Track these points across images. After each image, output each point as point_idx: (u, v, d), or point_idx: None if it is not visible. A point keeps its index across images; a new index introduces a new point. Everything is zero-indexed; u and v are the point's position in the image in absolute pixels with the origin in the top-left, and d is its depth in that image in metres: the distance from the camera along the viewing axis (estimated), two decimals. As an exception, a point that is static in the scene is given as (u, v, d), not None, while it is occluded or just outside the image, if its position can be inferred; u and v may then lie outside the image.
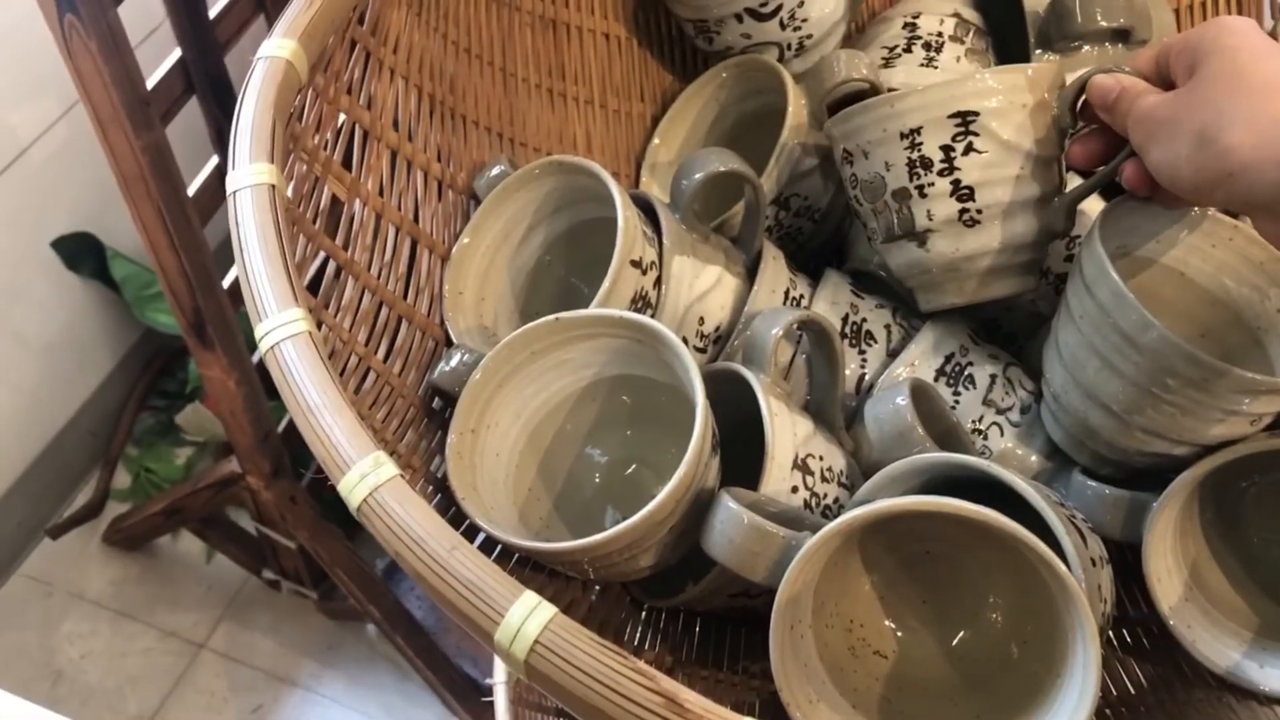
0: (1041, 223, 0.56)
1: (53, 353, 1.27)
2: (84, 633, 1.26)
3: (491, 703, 0.70)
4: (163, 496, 1.25)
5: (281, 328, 0.44)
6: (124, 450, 1.36)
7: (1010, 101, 0.54)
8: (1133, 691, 0.55)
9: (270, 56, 0.52)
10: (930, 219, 0.56)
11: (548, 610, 0.37)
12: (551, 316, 0.53)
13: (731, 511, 0.47)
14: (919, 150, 0.55)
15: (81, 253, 1.25)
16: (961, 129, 0.54)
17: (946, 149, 0.55)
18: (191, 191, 0.94)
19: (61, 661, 1.24)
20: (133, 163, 0.88)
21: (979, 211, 0.55)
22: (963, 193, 0.55)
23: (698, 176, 0.59)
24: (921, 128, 0.54)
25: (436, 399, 0.57)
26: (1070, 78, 0.56)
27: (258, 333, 0.45)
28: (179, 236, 0.93)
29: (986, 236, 0.56)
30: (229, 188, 0.48)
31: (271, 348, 0.44)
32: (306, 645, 1.27)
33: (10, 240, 1.18)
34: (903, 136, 0.55)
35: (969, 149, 0.54)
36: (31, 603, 1.28)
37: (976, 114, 0.54)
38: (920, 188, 0.56)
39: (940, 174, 0.55)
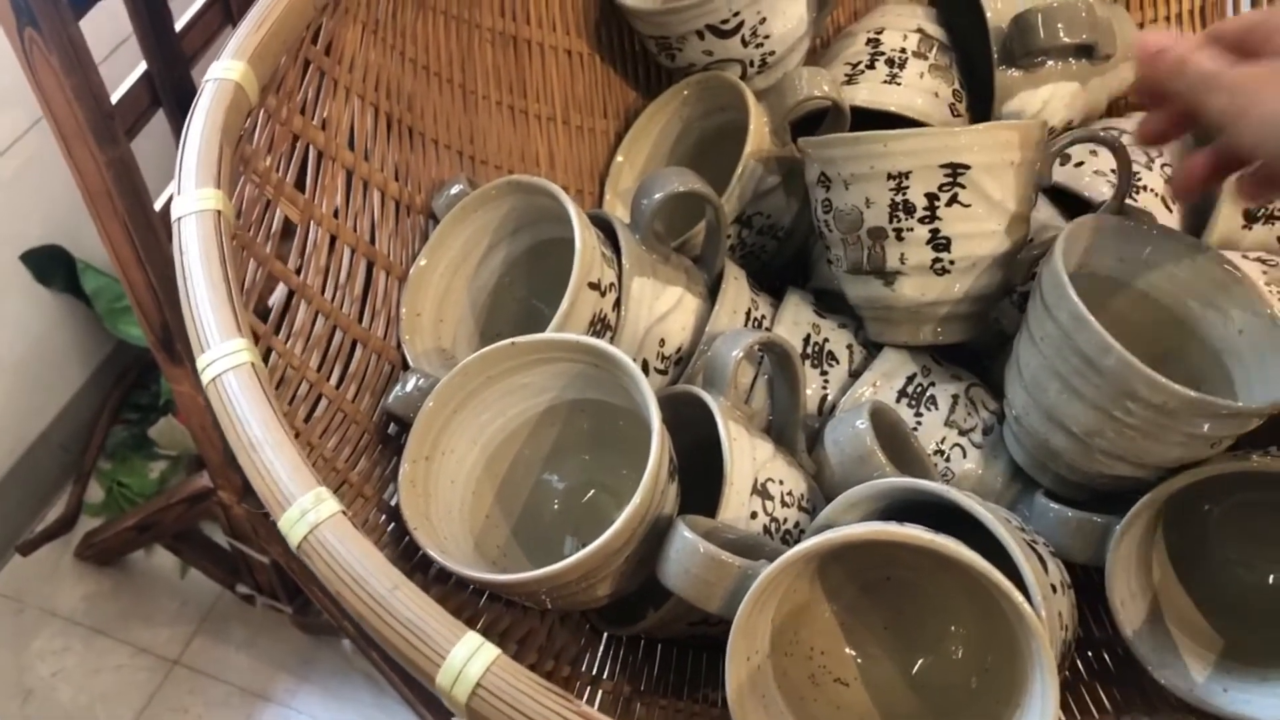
0: (1005, 276, 0.57)
1: (23, 366, 1.26)
2: (56, 649, 1.25)
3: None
4: (135, 511, 1.24)
5: (224, 359, 0.43)
6: (96, 464, 1.35)
7: (1001, 158, 0.54)
8: (1096, 716, 0.54)
9: (219, 79, 0.51)
10: (902, 262, 0.56)
11: (490, 652, 0.36)
12: (508, 341, 0.53)
13: (687, 541, 0.47)
14: (904, 194, 0.54)
15: (52, 265, 1.24)
16: (950, 179, 0.54)
17: (931, 197, 0.54)
18: (159, 206, 0.93)
19: (32, 680, 1.23)
20: (97, 178, 0.87)
21: (951, 262, 0.55)
22: (939, 242, 0.55)
23: (657, 196, 0.58)
24: (910, 172, 0.54)
25: (391, 424, 0.56)
26: (1058, 142, 0.56)
27: (200, 364, 0.44)
28: (145, 252, 0.92)
29: (953, 286, 0.56)
30: (173, 214, 0.47)
31: (214, 379, 0.43)
32: (282, 660, 1.26)
33: (-22, 254, 1.17)
34: (890, 177, 0.54)
35: (953, 200, 0.54)
36: (2, 620, 1.27)
37: (967, 167, 0.54)
38: (898, 230, 0.55)
39: (921, 221, 0.55)
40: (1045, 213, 0.64)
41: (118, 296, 1.23)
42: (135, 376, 1.37)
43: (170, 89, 0.93)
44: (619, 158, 0.72)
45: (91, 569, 1.30)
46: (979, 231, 0.55)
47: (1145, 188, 0.64)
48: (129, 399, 1.37)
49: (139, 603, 1.29)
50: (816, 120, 0.67)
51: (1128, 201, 0.61)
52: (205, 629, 1.28)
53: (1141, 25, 0.71)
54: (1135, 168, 0.62)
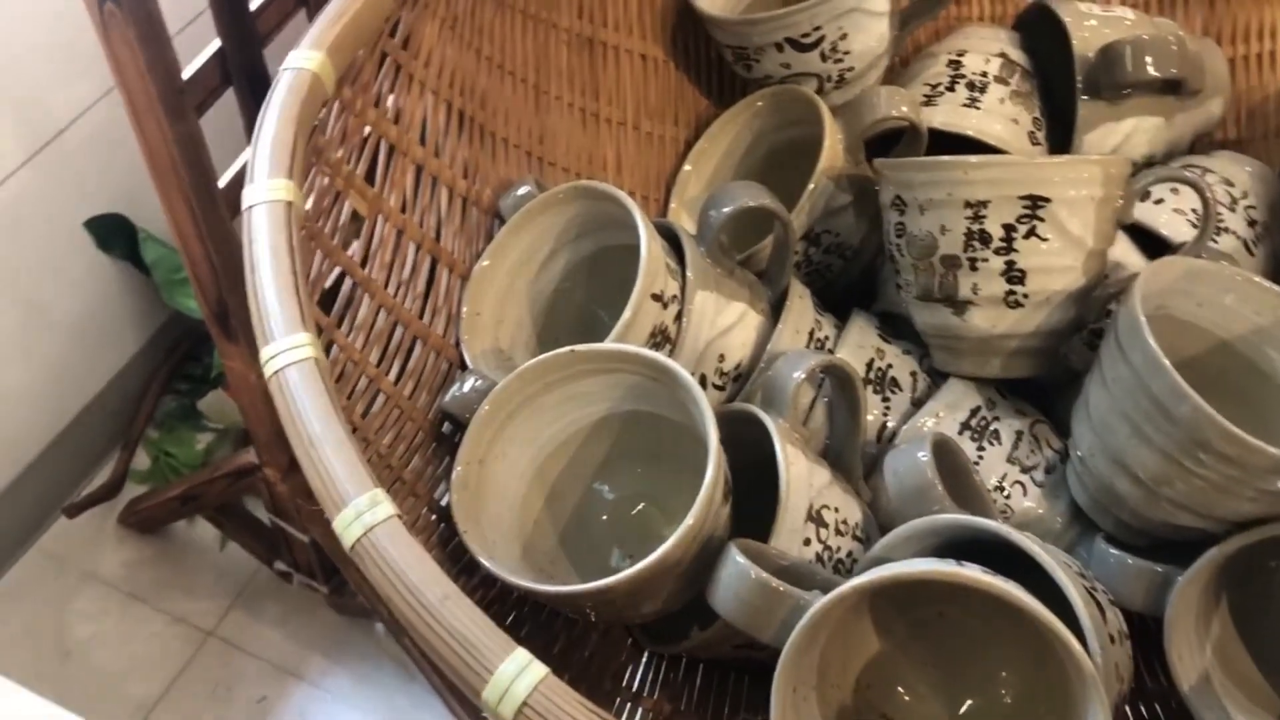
0: (1078, 313, 0.56)
1: (80, 331, 1.27)
2: (94, 613, 1.27)
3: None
4: (180, 482, 1.25)
5: (287, 352, 0.43)
6: (144, 432, 1.36)
7: (1082, 194, 0.53)
8: (1145, 769, 0.53)
9: (296, 68, 0.51)
10: (975, 292, 0.55)
11: (538, 671, 0.36)
12: (567, 349, 0.52)
13: (739, 566, 0.46)
14: (981, 223, 0.53)
15: (114, 234, 1.25)
16: (1029, 212, 0.53)
17: (1009, 228, 0.53)
18: (223, 183, 0.93)
19: (71, 640, 1.25)
20: (164, 152, 0.87)
21: (1025, 296, 0.54)
22: (1014, 275, 0.54)
23: (726, 210, 0.57)
24: (989, 202, 0.53)
25: (446, 424, 0.56)
26: (1141, 180, 0.55)
27: (263, 356, 0.44)
28: (207, 227, 0.92)
29: (1025, 320, 0.55)
30: (244, 202, 0.47)
31: (276, 373, 0.43)
32: (314, 640, 1.27)
33: (44, 219, 1.19)
34: (967, 205, 0.53)
35: (1031, 233, 0.53)
36: (45, 579, 1.29)
37: (1048, 200, 0.52)
38: (973, 260, 0.54)
39: (996, 252, 0.54)
40: (1120, 248, 0.62)
41: (176, 268, 1.24)
42: (188, 348, 1.38)
43: (241, 68, 0.93)
44: (687, 166, 0.71)
45: (133, 536, 1.31)
46: (1055, 266, 0.54)
47: (1227, 229, 0.62)
48: (180, 370, 1.38)
49: (178, 573, 1.30)
50: (889, 140, 0.66)
51: (1209, 243, 0.59)
52: (241, 603, 1.29)
53: (1232, 61, 0.69)
54: (1218, 209, 0.61)
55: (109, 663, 1.23)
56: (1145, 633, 0.54)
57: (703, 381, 0.57)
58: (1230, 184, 0.64)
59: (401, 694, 1.22)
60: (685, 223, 0.68)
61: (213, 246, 0.94)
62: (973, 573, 0.43)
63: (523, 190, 0.61)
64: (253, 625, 1.27)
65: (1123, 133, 0.65)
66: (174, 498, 1.25)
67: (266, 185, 0.47)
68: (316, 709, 1.21)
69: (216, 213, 0.93)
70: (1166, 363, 0.48)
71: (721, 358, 0.58)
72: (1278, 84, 0.71)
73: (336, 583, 1.24)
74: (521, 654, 0.36)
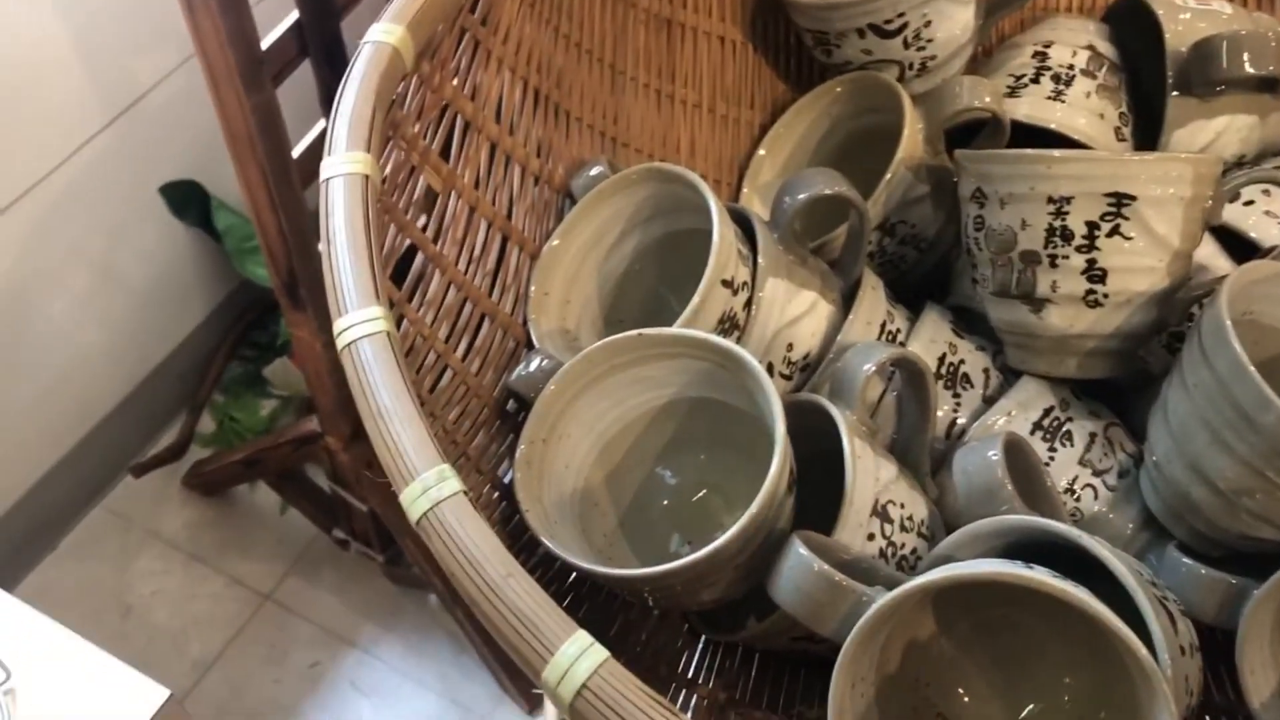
0: (1159, 315, 0.54)
1: (152, 295, 1.30)
2: (156, 571, 1.29)
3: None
4: (244, 446, 1.27)
5: (360, 325, 0.43)
6: (211, 397, 1.38)
7: (1170, 193, 0.51)
8: (1209, 784, 0.52)
9: (377, 41, 0.51)
10: (1054, 290, 0.54)
11: (599, 654, 0.36)
12: (635, 332, 0.52)
13: (802, 559, 0.45)
14: (1063, 219, 0.52)
15: (187, 200, 1.27)
16: (1114, 209, 0.51)
17: (1092, 226, 0.52)
18: (296, 154, 0.94)
19: (133, 597, 1.27)
20: (241, 121, 0.88)
21: (1105, 296, 0.53)
22: (1095, 273, 0.53)
23: (802, 197, 0.57)
24: (1073, 198, 0.52)
25: (511, 402, 0.56)
26: (1232, 180, 0.53)
27: (336, 328, 0.44)
28: (280, 197, 0.93)
29: (1103, 320, 0.54)
30: (323, 174, 0.47)
31: (348, 345, 0.43)
32: (368, 608, 1.28)
33: (121, 183, 1.21)
34: (1050, 201, 0.52)
35: (1114, 231, 0.52)
36: (110, 537, 1.32)
37: (1133, 198, 0.51)
38: (1053, 257, 0.53)
39: (1078, 250, 0.52)
40: (1206, 251, 0.60)
41: (247, 236, 1.26)
42: (256, 316, 1.40)
43: (319, 40, 0.94)
44: (761, 151, 0.70)
45: (196, 497, 1.34)
46: (1138, 266, 0.52)
47: (1319, 234, 0.60)
48: (248, 337, 1.40)
49: (238, 535, 1.32)
50: (970, 131, 0.65)
51: (1301, 248, 0.57)
52: (298, 569, 1.31)
53: (1332, 60, 0.67)
54: (1311, 212, 0.59)
55: (168, 621, 1.26)
56: (1214, 645, 0.53)
57: (770, 370, 0.57)
58: (1326, 187, 0.62)
59: (452, 665, 1.23)
60: (758, 208, 0.67)
61: (284, 216, 0.95)
62: (1041, 576, 0.42)
63: (595, 170, 0.60)
64: (309, 590, 1.29)
65: (1214, 131, 0.63)
66: (237, 462, 1.27)
67: (345, 158, 0.47)
68: (368, 676, 1.22)
69: (289, 183, 0.94)
70: (1252, 369, 0.47)
71: (790, 347, 0.57)
72: (1378, 85, 0.68)
73: (393, 553, 1.26)
74: (583, 636, 0.36)
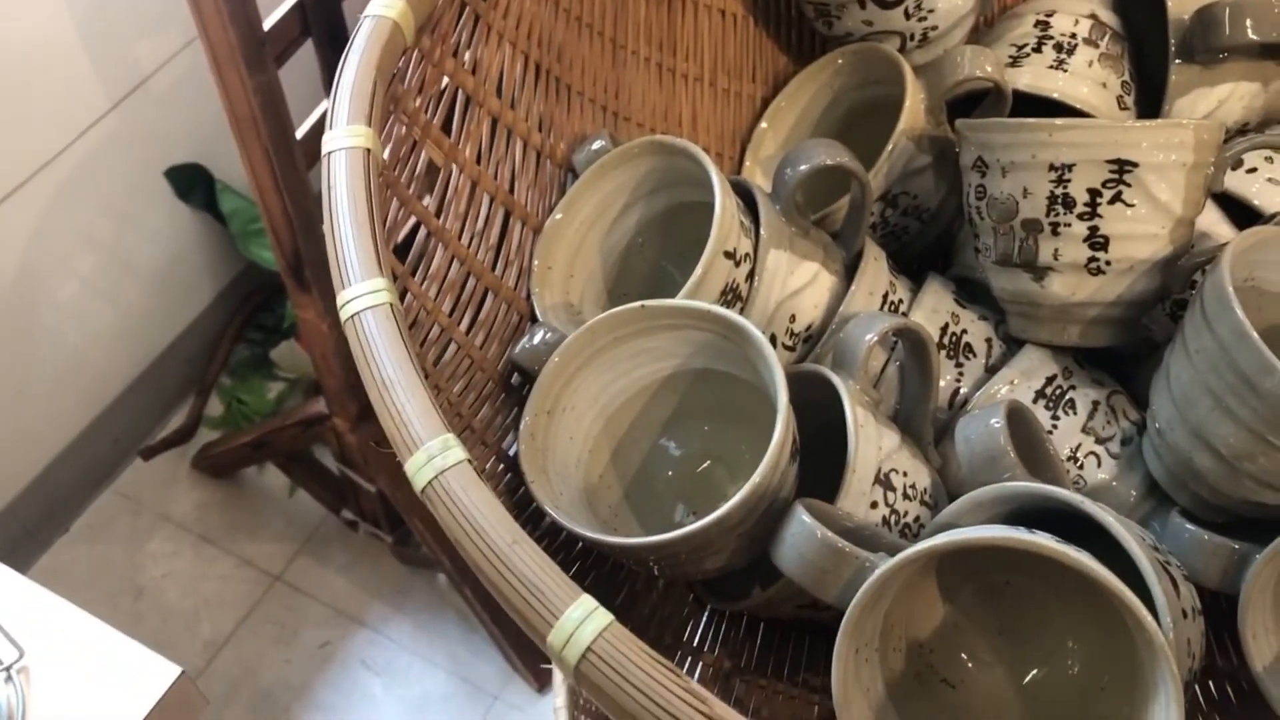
0: (1162, 282, 0.54)
1: (158, 279, 1.30)
2: (167, 553, 1.30)
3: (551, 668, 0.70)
4: (252, 428, 1.28)
5: (364, 297, 0.43)
6: (218, 379, 1.39)
7: (1172, 159, 0.51)
8: (1212, 749, 0.52)
9: (377, 15, 0.51)
10: (1056, 258, 0.54)
11: (603, 618, 0.36)
12: (638, 304, 0.52)
13: (805, 525, 0.46)
14: (1065, 187, 0.52)
15: (192, 183, 1.27)
16: (1115, 176, 0.51)
17: (1094, 193, 0.52)
18: (300, 134, 0.94)
19: (144, 579, 1.28)
20: (244, 102, 0.88)
21: (1108, 263, 0.53)
22: (1097, 241, 0.53)
23: (804, 168, 0.57)
24: (1074, 165, 0.52)
25: (515, 375, 0.56)
26: (1234, 146, 0.53)
27: (340, 300, 0.44)
28: (284, 178, 0.93)
29: (1106, 288, 0.54)
30: (324, 148, 0.48)
31: (352, 317, 0.43)
32: (378, 587, 1.29)
33: (126, 167, 1.21)
34: (1051, 168, 0.52)
35: (1116, 198, 0.52)
36: (121, 519, 1.32)
37: (1135, 165, 0.51)
38: (1054, 225, 0.53)
39: (1080, 217, 0.52)
40: (1208, 218, 0.60)
41: (253, 219, 1.26)
42: (262, 299, 1.41)
43: (321, 21, 0.94)
44: (763, 124, 0.70)
45: (205, 479, 1.35)
46: (1140, 233, 0.52)
47: (1322, 201, 0.60)
48: (254, 320, 1.41)
49: (248, 517, 1.33)
50: (972, 102, 0.65)
51: (1303, 214, 0.57)
52: (307, 549, 1.32)
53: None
54: (1314, 179, 0.59)
55: (179, 602, 1.27)
56: (1218, 611, 0.53)
57: (773, 341, 0.57)
58: (1328, 154, 0.62)
59: (462, 644, 1.24)
60: (760, 181, 0.67)
61: (289, 198, 0.95)
62: (1044, 540, 0.43)
63: (597, 144, 0.60)
64: (318, 571, 1.29)
65: (1217, 98, 0.63)
66: (245, 444, 1.28)
67: (346, 131, 0.47)
68: (378, 655, 1.23)
69: (293, 164, 0.94)
70: (1255, 335, 0.47)
71: (793, 318, 0.57)
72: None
73: (401, 533, 1.26)
74: (588, 600, 0.36)
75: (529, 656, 1.19)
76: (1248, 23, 0.60)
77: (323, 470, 1.31)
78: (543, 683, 1.19)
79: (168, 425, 1.37)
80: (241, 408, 1.35)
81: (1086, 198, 0.52)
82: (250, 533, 1.33)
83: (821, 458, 0.52)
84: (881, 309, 0.59)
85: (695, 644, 0.54)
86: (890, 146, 0.62)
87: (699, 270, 0.53)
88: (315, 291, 1.02)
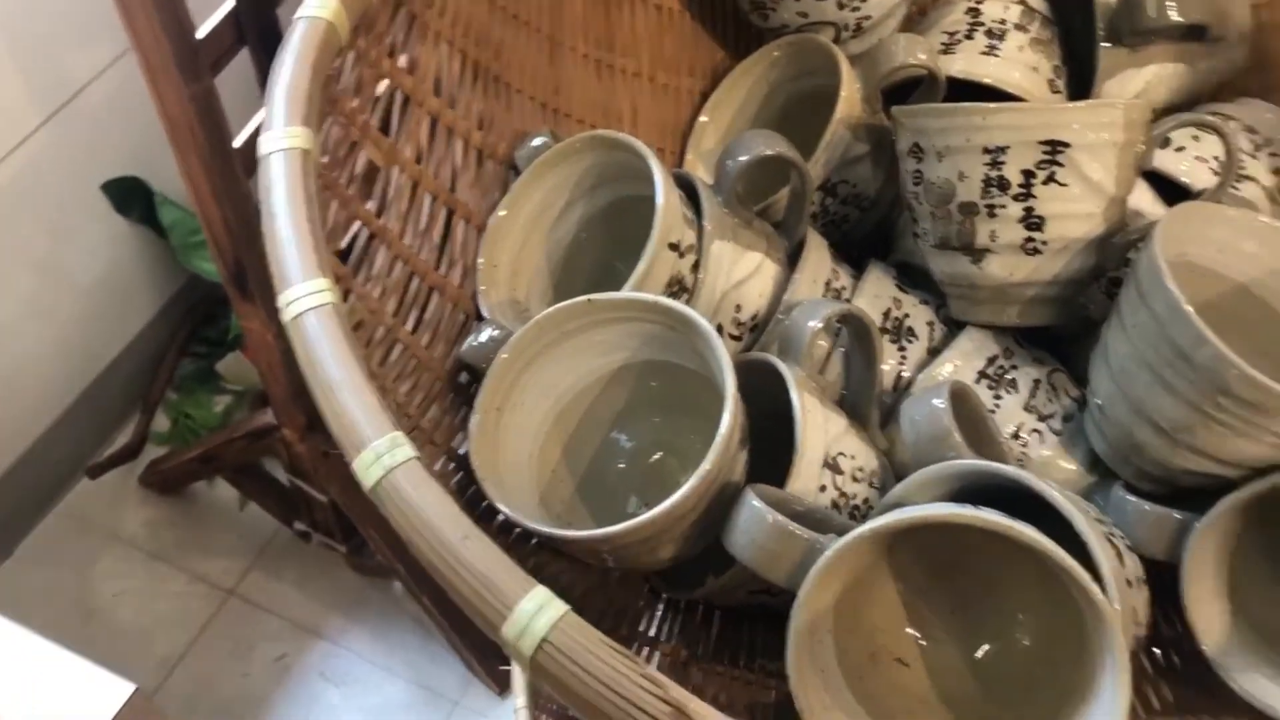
0: (1097, 260, 0.55)
1: (98, 294, 1.28)
2: (118, 572, 1.28)
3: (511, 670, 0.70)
4: (199, 443, 1.26)
5: (305, 298, 0.43)
6: (164, 394, 1.37)
7: (1102, 139, 0.52)
8: (1160, 713, 0.53)
9: (311, 16, 0.51)
10: (992, 240, 0.54)
11: (558, 608, 0.36)
12: (584, 298, 0.52)
13: (755, 510, 0.46)
14: (999, 169, 0.53)
15: (130, 196, 1.25)
16: (1048, 157, 0.52)
17: (1027, 174, 0.53)
18: (238, 143, 0.93)
19: (95, 600, 1.26)
20: (180, 111, 0.87)
21: (1044, 243, 0.54)
22: (1033, 221, 0.53)
23: (743, 159, 0.57)
24: (1008, 147, 0.52)
25: (464, 374, 0.56)
26: (1163, 125, 0.54)
27: (280, 301, 0.44)
28: (224, 187, 0.92)
29: (1043, 268, 0.55)
30: (260, 150, 0.47)
31: (294, 318, 0.43)
32: (333, 598, 1.28)
33: (61, 182, 1.19)
34: (985, 151, 0.53)
35: (1050, 179, 0.53)
36: (68, 540, 1.30)
37: (1067, 145, 0.52)
38: (990, 207, 0.54)
39: (1015, 198, 0.53)
40: (1141, 196, 0.62)
41: (193, 231, 1.25)
42: (205, 311, 1.39)
43: (256, 27, 0.93)
44: (703, 118, 0.71)
45: (154, 496, 1.32)
46: (1074, 212, 0.53)
47: (1249, 177, 0.62)
48: (198, 332, 1.39)
49: (199, 532, 1.31)
50: (908, 90, 0.65)
51: (1231, 190, 0.59)
52: (261, 563, 1.30)
53: (1256, 8, 0.68)
54: (1240, 156, 0.60)
55: (132, 621, 1.24)
56: (1163, 581, 0.54)
57: (720, 331, 0.57)
58: (1254, 131, 0.64)
59: (420, 652, 1.23)
60: (702, 174, 0.68)
61: (229, 207, 0.94)
62: (990, 516, 0.43)
63: (538, 141, 0.61)
64: (272, 584, 1.28)
65: (1144, 80, 0.64)
66: (193, 459, 1.26)
67: (283, 132, 0.47)
68: (336, 666, 1.22)
69: (232, 172, 0.93)
70: (1188, 308, 0.48)
71: (738, 308, 0.58)
72: (1302, 31, 0.70)
73: (355, 542, 1.25)
74: (541, 591, 0.36)
75: (488, 661, 1.19)
76: (1170, 5, 0.61)
77: (273, 482, 1.29)
78: (503, 687, 1.19)
79: (114, 443, 1.35)
80: (188, 422, 1.33)
81: (1021, 179, 0.53)
82: (202, 548, 1.31)
83: (771, 444, 0.52)
84: (825, 296, 0.59)
85: (652, 634, 0.54)
86: (827, 136, 0.62)
87: (643, 263, 0.54)
88: (259, 301, 1.00)
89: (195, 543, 1.30)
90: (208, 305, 1.38)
